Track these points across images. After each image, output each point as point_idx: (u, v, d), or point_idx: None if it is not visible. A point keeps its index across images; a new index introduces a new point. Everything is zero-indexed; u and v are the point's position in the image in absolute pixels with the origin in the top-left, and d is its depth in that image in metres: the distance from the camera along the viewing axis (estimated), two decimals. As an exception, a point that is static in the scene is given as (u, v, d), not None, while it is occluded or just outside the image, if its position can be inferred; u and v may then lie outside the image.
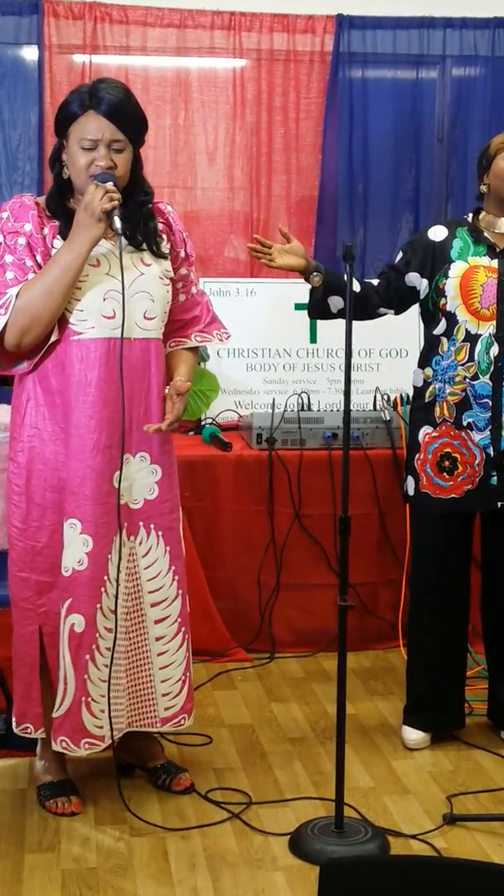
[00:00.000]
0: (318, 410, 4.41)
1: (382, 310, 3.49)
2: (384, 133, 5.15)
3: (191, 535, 4.15)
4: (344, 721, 3.01)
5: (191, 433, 4.53)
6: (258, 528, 4.25)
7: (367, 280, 3.49)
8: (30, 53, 4.89)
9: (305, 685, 4.02)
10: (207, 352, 4.60)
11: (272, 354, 4.68)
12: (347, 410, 2.94)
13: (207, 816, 3.10)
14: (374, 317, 3.52)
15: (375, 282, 3.47)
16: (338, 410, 4.35)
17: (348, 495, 2.96)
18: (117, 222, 2.88)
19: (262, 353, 4.68)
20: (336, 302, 3.37)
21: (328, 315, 3.43)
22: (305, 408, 4.40)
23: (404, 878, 2.08)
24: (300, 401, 4.41)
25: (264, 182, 5.07)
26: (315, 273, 3.35)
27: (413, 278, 3.42)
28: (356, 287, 3.38)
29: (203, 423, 4.52)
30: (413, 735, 3.53)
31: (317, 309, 3.43)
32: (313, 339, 4.63)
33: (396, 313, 3.53)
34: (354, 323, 3.01)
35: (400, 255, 3.48)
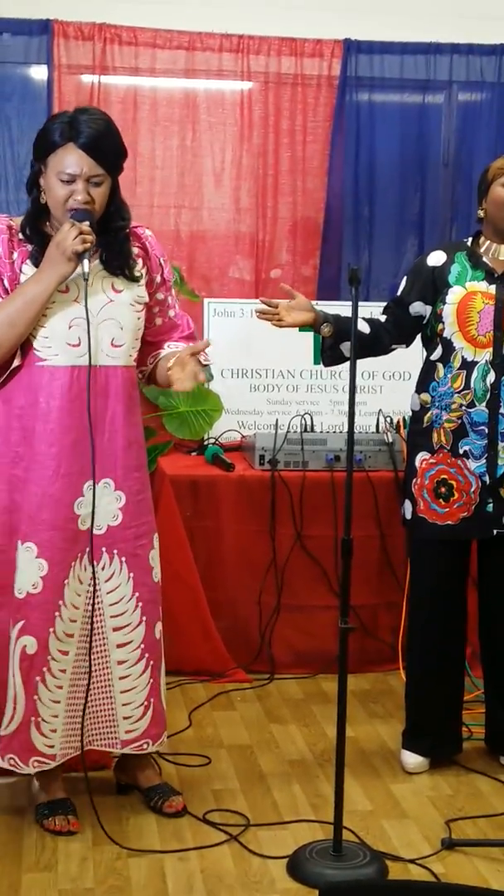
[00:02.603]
0: (321, 432, 4.41)
1: (395, 346, 3.50)
2: (390, 157, 5.17)
3: (192, 554, 4.16)
4: (343, 744, 3.00)
5: (193, 453, 4.54)
6: (259, 549, 4.25)
7: (375, 318, 3.48)
8: (39, 73, 4.92)
9: (305, 707, 4.01)
10: (211, 372, 4.61)
11: (276, 375, 4.69)
12: (351, 432, 2.95)
13: (205, 838, 3.09)
14: (388, 353, 3.54)
15: (382, 318, 3.48)
16: (340, 432, 4.35)
17: (351, 517, 2.97)
18: (85, 266, 2.87)
19: (266, 373, 4.69)
20: (349, 347, 3.37)
21: (342, 360, 3.43)
22: (308, 429, 4.40)
23: (403, 904, 2.07)
24: (303, 422, 4.42)
25: (270, 204, 5.09)
26: (325, 324, 3.36)
27: (417, 307, 3.43)
28: (366, 329, 3.40)
29: (206, 442, 4.53)
30: (412, 759, 3.52)
31: (331, 357, 3.43)
32: (316, 361, 4.62)
33: (407, 345, 3.54)
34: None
35: (403, 282, 3.49)
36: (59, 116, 2.95)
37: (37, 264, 2.94)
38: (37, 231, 2.97)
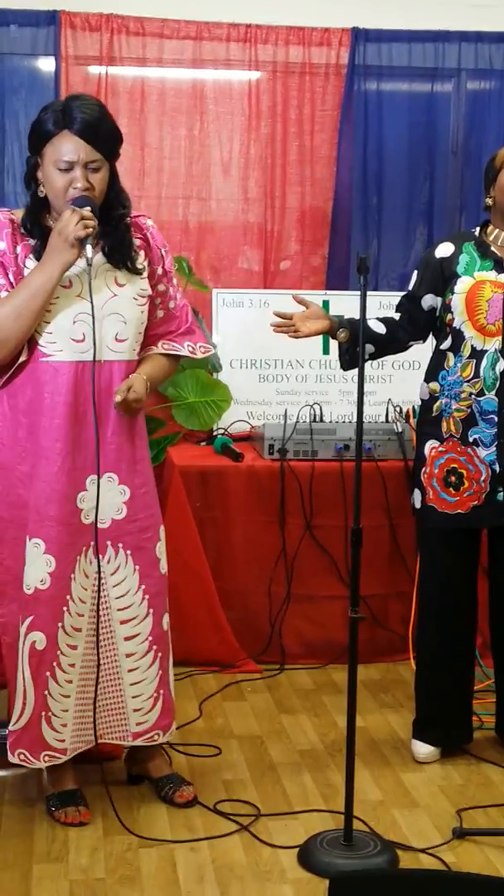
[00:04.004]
0: (330, 422, 4.41)
1: (412, 343, 3.50)
2: (399, 145, 5.15)
3: (201, 545, 4.16)
4: (354, 733, 3.00)
5: (202, 444, 4.54)
6: (269, 539, 4.25)
7: (389, 317, 3.48)
8: (46, 64, 4.91)
9: (315, 697, 4.01)
10: (220, 362, 4.60)
11: (284, 365, 4.69)
12: (360, 422, 2.94)
13: (216, 828, 3.09)
14: (405, 350, 3.54)
15: (397, 316, 3.47)
16: (350, 422, 4.34)
17: (360, 507, 2.96)
18: (89, 251, 2.86)
19: (275, 363, 4.68)
20: (366, 348, 3.37)
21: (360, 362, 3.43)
22: (317, 419, 4.40)
23: (413, 893, 2.07)
24: (312, 412, 4.41)
25: (279, 194, 5.08)
26: (340, 329, 3.35)
27: (429, 300, 3.42)
28: (382, 330, 3.42)
29: (215, 433, 4.53)
30: (423, 749, 3.52)
31: (349, 361, 3.42)
32: (326, 351, 4.63)
33: (424, 341, 3.53)
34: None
35: (413, 277, 3.49)
36: (51, 106, 2.92)
37: (40, 258, 2.92)
38: (38, 225, 2.96)
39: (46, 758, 3.06)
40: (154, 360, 3.13)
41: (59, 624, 3.01)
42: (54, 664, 3.02)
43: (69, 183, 2.88)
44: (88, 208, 2.87)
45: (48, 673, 3.02)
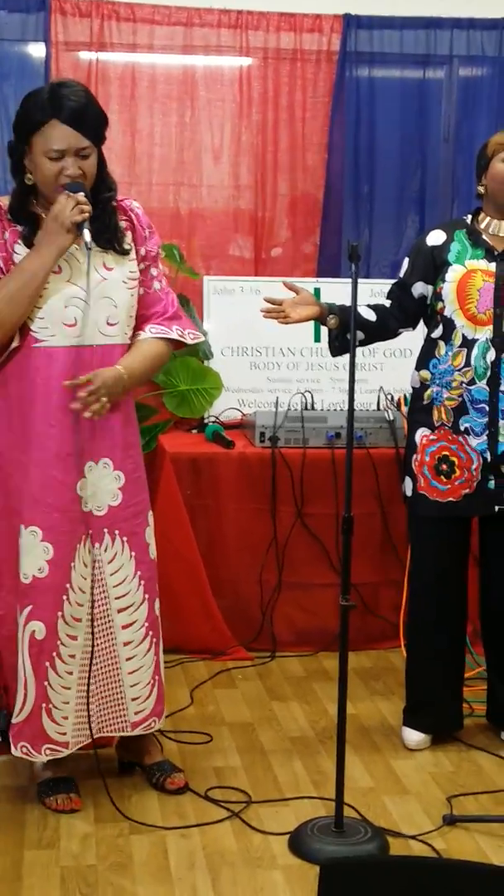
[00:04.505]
0: (322, 409, 4.41)
1: (402, 330, 3.50)
2: (390, 133, 5.14)
3: (192, 532, 4.16)
4: (344, 721, 3.01)
5: (194, 431, 4.53)
6: (260, 527, 4.25)
7: (379, 304, 3.47)
8: (36, 50, 4.88)
9: (306, 684, 4.02)
10: (211, 350, 4.60)
11: (276, 353, 4.68)
12: (351, 410, 2.94)
13: (207, 815, 3.10)
14: (395, 337, 3.53)
15: (387, 303, 3.47)
16: (341, 409, 4.35)
17: (351, 495, 2.96)
18: (87, 235, 2.85)
19: (266, 351, 4.67)
20: (356, 335, 3.36)
21: (349, 349, 3.42)
22: (309, 407, 4.40)
23: (404, 879, 2.08)
24: (303, 399, 4.41)
25: (270, 181, 5.06)
26: (331, 315, 3.35)
27: (420, 288, 3.42)
28: (372, 317, 3.41)
29: (206, 420, 4.52)
30: (413, 736, 3.53)
31: (338, 347, 3.41)
32: (317, 338, 4.62)
33: (413, 328, 3.53)
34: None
35: (404, 264, 3.48)
36: (37, 94, 2.90)
37: (28, 245, 2.91)
38: (26, 212, 2.95)
39: (48, 751, 3.05)
40: (138, 348, 3.06)
41: (59, 613, 3.00)
42: (54, 654, 3.01)
43: (60, 171, 2.87)
44: (82, 193, 2.87)
45: (48, 663, 3.01)
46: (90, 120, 2.88)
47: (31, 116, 2.87)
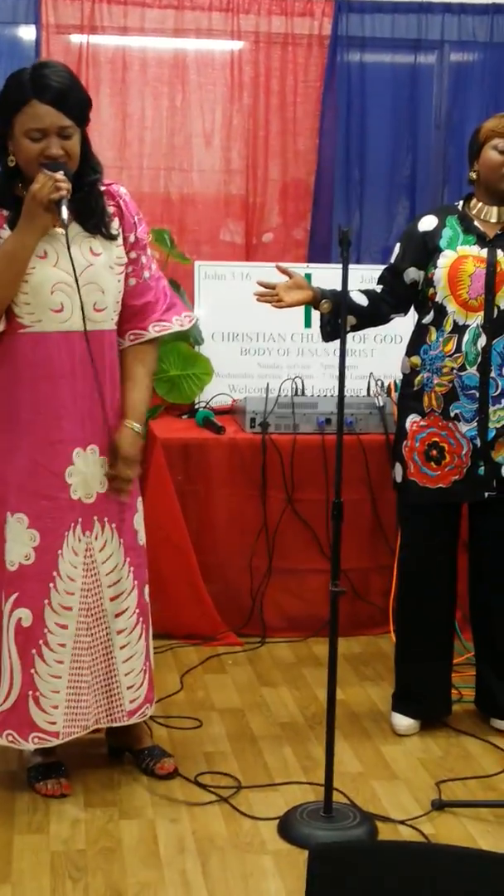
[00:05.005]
0: (312, 395, 4.41)
1: (393, 315, 3.49)
2: (381, 118, 5.13)
3: (183, 518, 4.15)
4: (334, 706, 3.01)
5: (184, 416, 4.53)
6: (250, 513, 4.25)
7: (371, 289, 3.47)
8: (27, 33, 4.86)
9: (296, 670, 4.02)
10: (202, 335, 4.59)
11: (266, 339, 4.67)
12: (341, 396, 2.94)
13: (197, 800, 3.10)
14: (387, 322, 3.52)
15: (378, 288, 3.46)
16: (331, 395, 4.34)
17: (341, 481, 2.96)
18: (64, 212, 2.82)
19: (257, 337, 4.66)
20: (348, 320, 3.35)
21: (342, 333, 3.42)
22: (299, 392, 4.39)
23: (392, 864, 2.08)
24: (294, 385, 4.41)
25: (261, 165, 5.05)
26: (323, 300, 3.34)
27: (412, 273, 3.41)
28: (364, 302, 3.40)
29: (196, 406, 4.52)
30: (402, 721, 3.54)
31: (330, 332, 3.40)
32: (308, 324, 4.62)
33: (405, 313, 3.52)
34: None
35: (396, 249, 3.47)
36: (19, 75, 2.88)
37: (14, 228, 2.89)
38: (10, 195, 2.93)
39: (35, 739, 3.03)
40: (135, 379, 3.07)
41: (46, 601, 2.99)
42: (41, 642, 3.00)
43: (41, 151, 2.84)
44: (61, 172, 2.84)
45: (35, 651, 2.99)
46: (71, 100, 2.86)
47: (11, 97, 2.86)
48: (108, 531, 3.06)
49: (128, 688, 3.13)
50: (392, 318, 3.51)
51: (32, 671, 3.00)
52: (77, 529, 3.01)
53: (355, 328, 3.46)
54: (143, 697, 3.16)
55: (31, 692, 3.01)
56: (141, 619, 3.13)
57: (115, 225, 3.01)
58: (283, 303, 3.32)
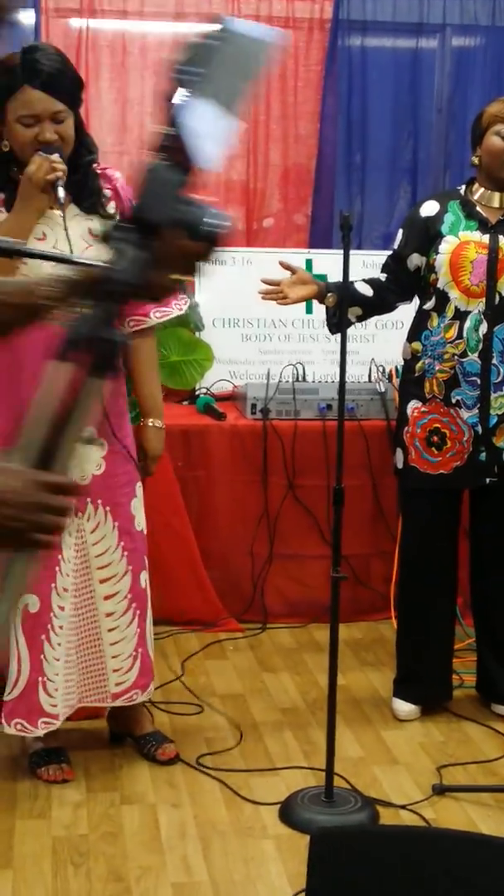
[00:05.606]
0: (313, 381, 4.40)
1: (399, 304, 3.48)
2: (383, 102, 5.10)
3: (184, 504, 4.15)
4: (335, 692, 3.01)
5: (185, 403, 4.52)
6: (251, 499, 4.25)
7: (375, 278, 3.45)
8: (26, 17, 4.84)
9: (297, 656, 4.03)
10: (203, 321, 4.58)
11: (267, 325, 4.65)
12: (343, 382, 2.93)
13: (198, 785, 3.11)
14: (392, 310, 3.52)
15: (382, 276, 3.45)
16: (332, 381, 4.33)
17: (342, 467, 2.96)
18: (61, 192, 2.82)
19: (258, 323, 4.65)
20: (354, 311, 3.35)
21: (348, 326, 3.40)
22: (300, 378, 4.39)
23: (393, 849, 2.09)
24: (295, 371, 4.40)
25: (262, 150, 5.03)
26: (328, 294, 3.33)
27: (415, 259, 3.40)
28: (369, 292, 3.39)
29: (197, 392, 4.51)
30: (403, 707, 3.54)
31: (337, 325, 3.38)
32: (309, 310, 4.60)
33: (410, 301, 3.51)
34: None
35: (398, 236, 3.46)
36: (10, 59, 2.87)
37: (10, 210, 2.89)
38: (5, 179, 2.92)
39: (43, 725, 3.04)
40: (142, 373, 3.12)
41: (53, 585, 2.99)
42: (48, 626, 3.00)
43: (35, 137, 2.84)
44: (57, 155, 2.84)
45: (43, 636, 3.00)
46: (63, 84, 2.85)
47: (2, 83, 2.85)
48: (102, 513, 3.05)
49: (114, 670, 3.13)
50: (397, 307, 3.50)
51: (42, 656, 3.01)
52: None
53: (361, 318, 3.45)
54: (130, 682, 3.14)
55: (40, 678, 3.01)
56: (134, 604, 3.12)
57: (111, 206, 3.01)
58: (287, 299, 3.31)
